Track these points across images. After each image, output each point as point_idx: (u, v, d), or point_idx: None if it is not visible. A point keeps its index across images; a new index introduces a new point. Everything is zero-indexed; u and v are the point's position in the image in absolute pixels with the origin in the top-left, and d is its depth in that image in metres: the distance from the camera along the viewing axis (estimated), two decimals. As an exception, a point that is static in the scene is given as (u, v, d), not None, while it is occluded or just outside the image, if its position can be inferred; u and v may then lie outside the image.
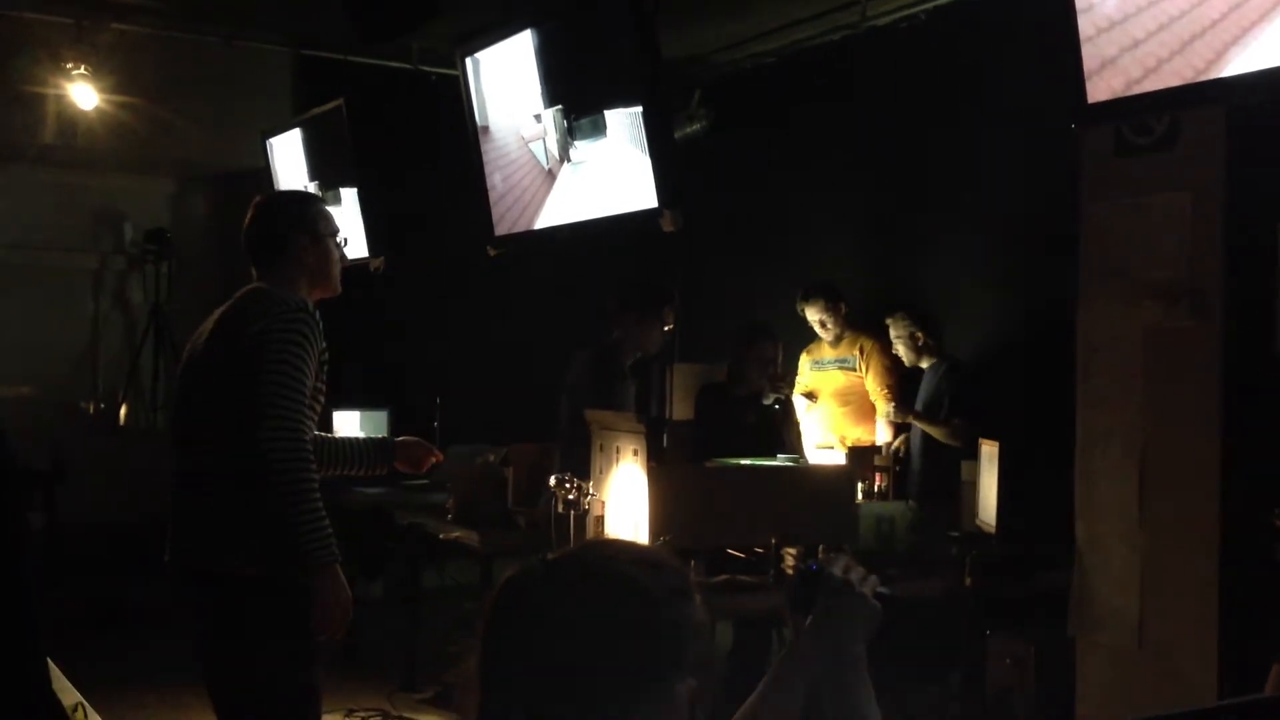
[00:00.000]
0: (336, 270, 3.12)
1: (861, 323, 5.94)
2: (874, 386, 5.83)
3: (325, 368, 2.90)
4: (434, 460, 3.43)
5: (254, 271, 3.05)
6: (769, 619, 4.30)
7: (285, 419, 2.72)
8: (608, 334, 5.21)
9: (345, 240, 3.16)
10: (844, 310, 5.90)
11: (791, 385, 5.69)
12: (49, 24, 6.60)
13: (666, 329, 5.14)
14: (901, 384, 5.75)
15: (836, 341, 5.96)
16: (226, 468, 2.78)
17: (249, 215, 3.10)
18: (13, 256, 7.17)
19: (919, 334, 5.48)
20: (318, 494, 2.75)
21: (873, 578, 1.67)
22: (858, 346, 5.91)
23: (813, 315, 5.90)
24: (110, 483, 6.65)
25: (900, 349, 5.57)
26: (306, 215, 3.08)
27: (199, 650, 2.88)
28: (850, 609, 1.63)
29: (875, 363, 5.82)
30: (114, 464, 6.79)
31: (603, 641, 1.31)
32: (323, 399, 2.94)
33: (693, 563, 3.76)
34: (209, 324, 2.98)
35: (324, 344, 2.89)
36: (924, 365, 5.53)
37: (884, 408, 5.72)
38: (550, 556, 1.39)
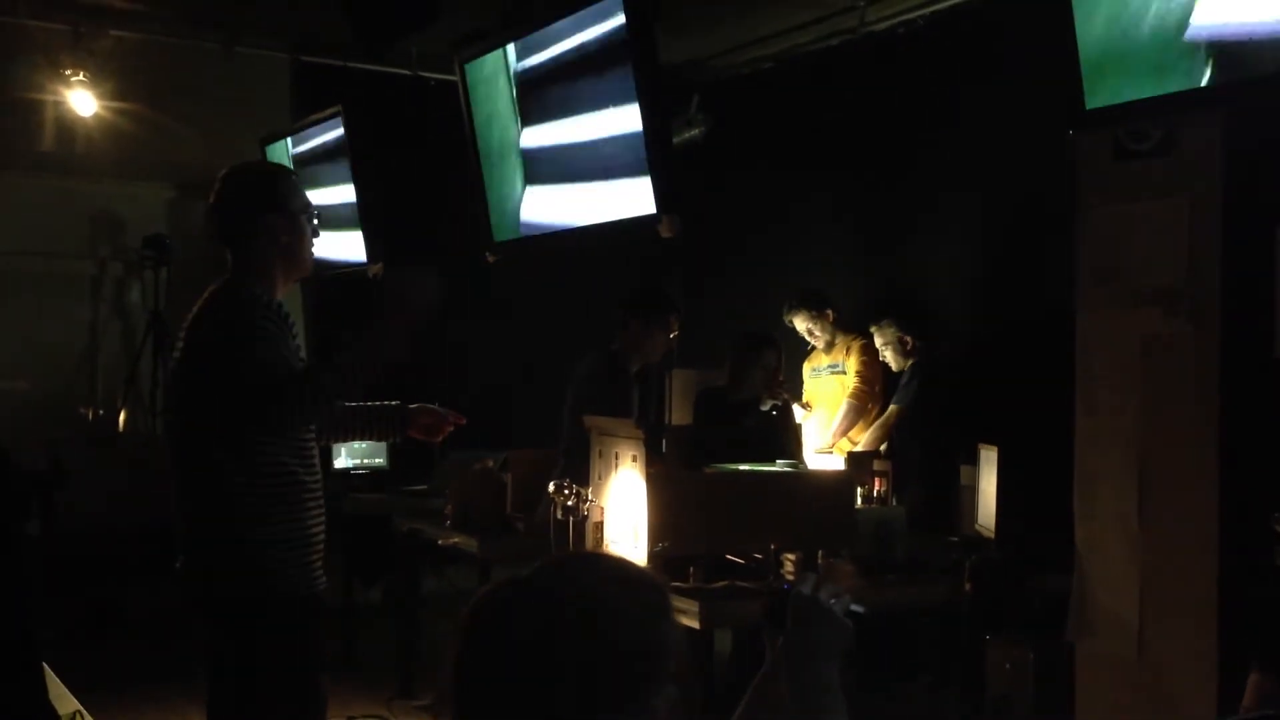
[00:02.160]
0: (310, 250, 2.93)
1: (856, 326, 5.95)
2: (849, 383, 5.84)
3: (302, 363, 2.83)
4: (450, 427, 3.29)
5: (228, 257, 2.87)
6: (768, 625, 4.28)
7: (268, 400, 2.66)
8: (612, 341, 5.19)
9: (318, 215, 2.94)
10: (831, 317, 5.91)
11: (793, 392, 5.70)
12: (47, 30, 6.59)
13: (671, 336, 5.13)
14: (877, 383, 5.80)
15: (829, 348, 5.98)
16: (223, 490, 2.73)
17: (214, 193, 2.89)
18: (11, 263, 7.14)
19: (907, 338, 5.59)
20: (326, 404, 2.74)
21: (845, 596, 1.66)
22: (845, 349, 5.93)
23: (800, 326, 5.93)
24: (108, 489, 6.62)
25: (889, 355, 5.65)
26: (278, 192, 2.88)
27: (208, 657, 2.86)
28: (820, 628, 1.62)
29: (854, 361, 5.84)
30: (112, 470, 6.77)
31: (574, 662, 1.29)
32: None
33: (692, 568, 3.75)
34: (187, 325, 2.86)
35: (296, 343, 2.81)
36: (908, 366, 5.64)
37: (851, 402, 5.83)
38: (523, 574, 1.36)
